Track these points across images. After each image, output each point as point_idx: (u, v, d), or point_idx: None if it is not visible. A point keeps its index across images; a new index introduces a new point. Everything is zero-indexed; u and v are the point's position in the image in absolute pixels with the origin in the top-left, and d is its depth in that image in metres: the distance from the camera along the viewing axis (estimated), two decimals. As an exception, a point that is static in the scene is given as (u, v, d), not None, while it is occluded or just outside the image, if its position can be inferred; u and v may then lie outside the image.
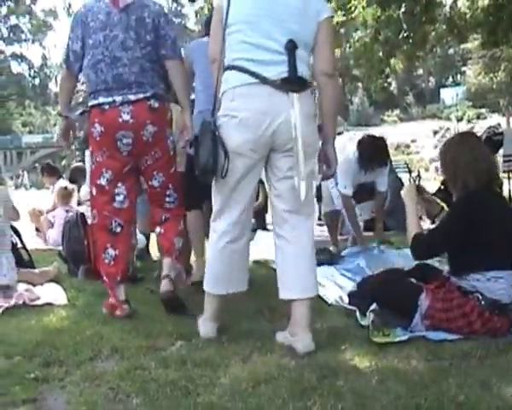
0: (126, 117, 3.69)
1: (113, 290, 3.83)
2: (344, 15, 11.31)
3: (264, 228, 8.50)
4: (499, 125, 17.68)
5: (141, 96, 3.71)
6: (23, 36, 59.15)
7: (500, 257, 3.24)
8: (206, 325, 3.31)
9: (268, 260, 5.84)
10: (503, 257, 3.25)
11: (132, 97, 3.71)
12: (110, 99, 3.71)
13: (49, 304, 4.18)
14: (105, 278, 3.91)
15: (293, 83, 3.04)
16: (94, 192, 3.94)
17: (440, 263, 3.95)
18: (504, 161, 9.08)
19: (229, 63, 3.14)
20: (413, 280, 3.57)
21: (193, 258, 4.98)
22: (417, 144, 45.62)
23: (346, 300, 3.94)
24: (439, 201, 3.77)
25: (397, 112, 58.94)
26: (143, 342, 3.21)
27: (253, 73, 3.04)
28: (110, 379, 2.67)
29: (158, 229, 4.05)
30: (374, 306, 3.41)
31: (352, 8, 11.16)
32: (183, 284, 4.21)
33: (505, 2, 10.53)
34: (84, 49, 3.82)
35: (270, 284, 4.80)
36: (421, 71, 63.17)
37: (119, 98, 3.70)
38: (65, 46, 4.01)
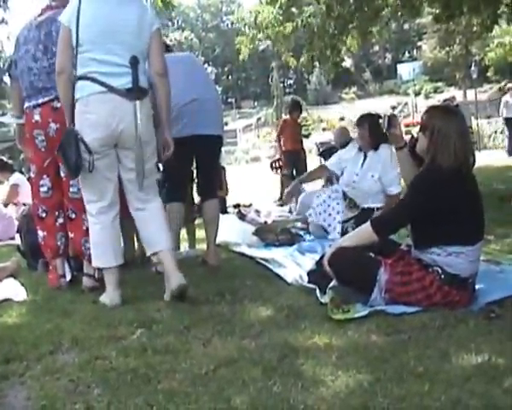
0: (37, 117, 4.32)
1: (52, 265, 4.50)
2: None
3: (225, 211, 8.49)
4: (454, 97, 17.97)
5: (46, 99, 4.27)
6: (-27, 28, 57.96)
7: (462, 232, 3.26)
8: (112, 295, 3.79)
9: (228, 242, 5.85)
10: (466, 233, 3.27)
11: (40, 100, 4.29)
12: (28, 104, 4.36)
13: (9, 300, 4.12)
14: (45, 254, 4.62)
15: (136, 92, 3.69)
16: (32, 184, 4.61)
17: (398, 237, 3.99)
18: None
19: (81, 75, 3.67)
20: (371, 254, 3.55)
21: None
22: (376, 120, 45.76)
23: (306, 278, 3.95)
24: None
25: (354, 89, 59.28)
26: (104, 331, 3.19)
27: (102, 83, 3.64)
28: (70, 371, 2.66)
29: (70, 233, 4.46)
30: (333, 283, 3.43)
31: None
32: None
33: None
34: None
35: (231, 266, 4.84)
36: (377, 47, 63.61)
37: (33, 102, 4.33)
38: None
